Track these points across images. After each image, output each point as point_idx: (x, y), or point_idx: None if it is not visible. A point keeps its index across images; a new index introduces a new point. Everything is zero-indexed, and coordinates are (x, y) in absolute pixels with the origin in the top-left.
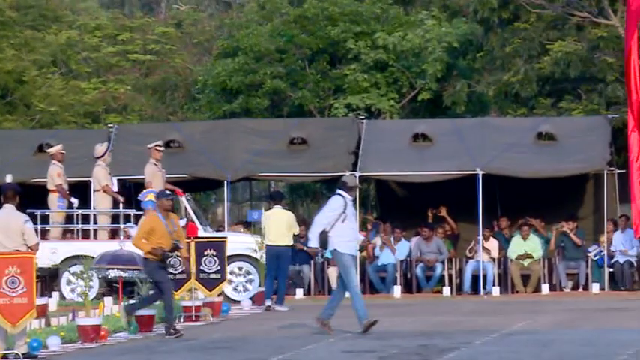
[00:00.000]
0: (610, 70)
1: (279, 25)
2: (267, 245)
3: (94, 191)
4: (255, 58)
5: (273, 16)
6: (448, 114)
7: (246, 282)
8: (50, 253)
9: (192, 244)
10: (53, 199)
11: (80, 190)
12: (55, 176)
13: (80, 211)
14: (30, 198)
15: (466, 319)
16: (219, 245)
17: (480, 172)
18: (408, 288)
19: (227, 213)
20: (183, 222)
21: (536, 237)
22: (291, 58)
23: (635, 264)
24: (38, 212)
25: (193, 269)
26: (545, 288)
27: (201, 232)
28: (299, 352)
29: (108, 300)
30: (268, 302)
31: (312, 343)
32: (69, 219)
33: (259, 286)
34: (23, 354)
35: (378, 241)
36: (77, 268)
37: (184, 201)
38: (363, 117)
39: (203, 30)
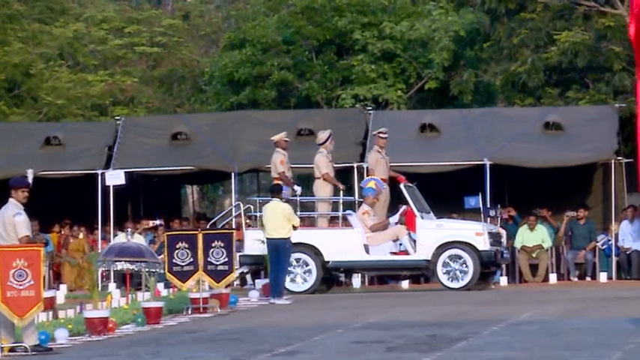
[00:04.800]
0: (617, 59)
1: (286, 17)
2: (266, 239)
3: (315, 178)
4: (263, 50)
5: (280, 7)
6: (455, 104)
7: (461, 269)
8: (260, 242)
9: (200, 235)
10: None
11: (87, 185)
12: (278, 163)
13: (301, 199)
14: (38, 191)
15: (474, 309)
16: (226, 237)
17: (488, 162)
18: (416, 278)
19: (234, 204)
20: (401, 209)
21: (544, 227)
22: (299, 50)
23: None
24: (258, 200)
25: (201, 261)
26: (553, 277)
27: (418, 220)
28: (307, 344)
29: (116, 293)
30: (272, 300)
31: (321, 334)
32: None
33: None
34: (32, 347)
35: None
36: (296, 256)
37: (402, 188)
38: (370, 108)
39: (210, 22)
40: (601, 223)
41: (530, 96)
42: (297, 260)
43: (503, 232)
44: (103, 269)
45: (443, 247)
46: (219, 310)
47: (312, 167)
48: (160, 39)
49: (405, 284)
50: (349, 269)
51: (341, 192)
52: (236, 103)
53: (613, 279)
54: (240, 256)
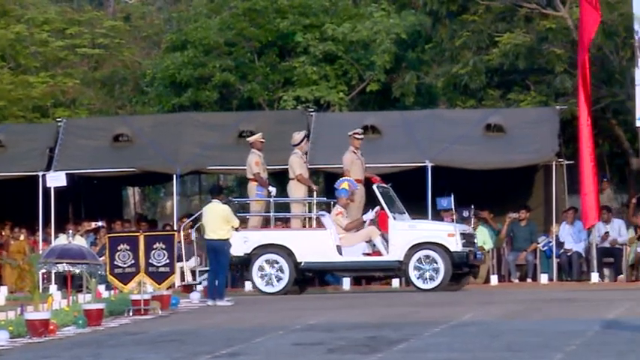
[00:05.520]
0: (559, 61)
1: (228, 18)
2: (205, 240)
3: (289, 179)
4: (204, 52)
5: (222, 9)
6: (397, 106)
7: (432, 271)
8: (242, 242)
9: (142, 237)
10: (252, 187)
11: (28, 186)
12: (253, 164)
13: (273, 199)
14: None
15: (416, 310)
16: (167, 239)
17: (429, 164)
18: (357, 280)
19: (176, 206)
20: (376, 208)
21: (485, 229)
22: (241, 51)
23: (583, 255)
24: (235, 200)
25: (142, 263)
26: (494, 279)
27: (391, 221)
28: (248, 345)
29: (57, 294)
30: (210, 302)
31: (261, 335)
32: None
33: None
34: None
35: None
36: (268, 257)
37: (375, 188)
38: (312, 109)
39: (152, 23)
40: (542, 224)
41: (472, 98)
42: (270, 261)
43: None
44: (44, 271)
45: (415, 248)
46: (160, 312)
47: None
48: (101, 40)
49: (347, 285)
50: (322, 270)
51: (315, 193)
52: (178, 104)
53: (554, 280)
54: None
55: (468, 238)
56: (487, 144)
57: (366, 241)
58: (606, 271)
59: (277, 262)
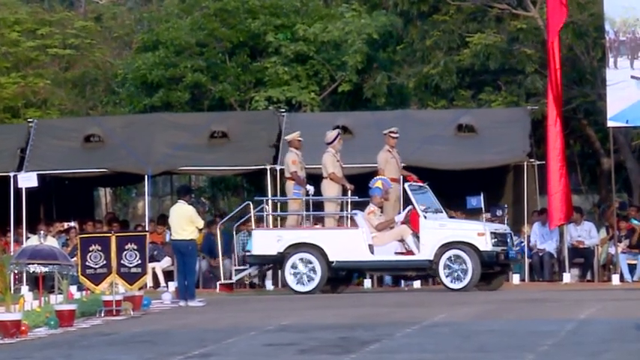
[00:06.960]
0: (529, 61)
1: (200, 19)
2: (171, 240)
3: (322, 178)
4: (176, 52)
5: (193, 9)
6: (368, 106)
7: (460, 271)
8: (275, 240)
9: (113, 238)
10: (289, 186)
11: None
12: (290, 163)
13: (305, 198)
14: None
15: (388, 311)
16: (139, 239)
17: (401, 165)
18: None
19: (147, 207)
20: (408, 208)
21: None
22: (212, 52)
23: (555, 255)
24: (269, 199)
25: (114, 264)
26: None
27: (421, 220)
28: (220, 346)
29: (28, 295)
30: (182, 302)
31: (234, 336)
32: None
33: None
34: None
35: None
36: (301, 256)
37: (407, 187)
38: (283, 110)
39: (123, 24)
40: (513, 225)
41: (443, 98)
42: (303, 260)
43: None
44: (16, 272)
45: (445, 247)
46: (132, 313)
47: (223, 170)
48: (72, 41)
49: None
50: (353, 269)
51: (349, 192)
52: (149, 105)
53: (526, 281)
54: (247, 255)
55: (500, 238)
56: (458, 144)
57: (398, 240)
58: (577, 271)
59: (309, 261)
